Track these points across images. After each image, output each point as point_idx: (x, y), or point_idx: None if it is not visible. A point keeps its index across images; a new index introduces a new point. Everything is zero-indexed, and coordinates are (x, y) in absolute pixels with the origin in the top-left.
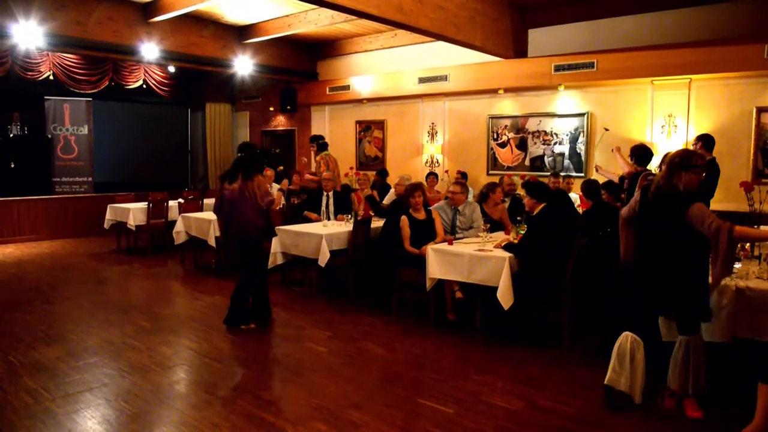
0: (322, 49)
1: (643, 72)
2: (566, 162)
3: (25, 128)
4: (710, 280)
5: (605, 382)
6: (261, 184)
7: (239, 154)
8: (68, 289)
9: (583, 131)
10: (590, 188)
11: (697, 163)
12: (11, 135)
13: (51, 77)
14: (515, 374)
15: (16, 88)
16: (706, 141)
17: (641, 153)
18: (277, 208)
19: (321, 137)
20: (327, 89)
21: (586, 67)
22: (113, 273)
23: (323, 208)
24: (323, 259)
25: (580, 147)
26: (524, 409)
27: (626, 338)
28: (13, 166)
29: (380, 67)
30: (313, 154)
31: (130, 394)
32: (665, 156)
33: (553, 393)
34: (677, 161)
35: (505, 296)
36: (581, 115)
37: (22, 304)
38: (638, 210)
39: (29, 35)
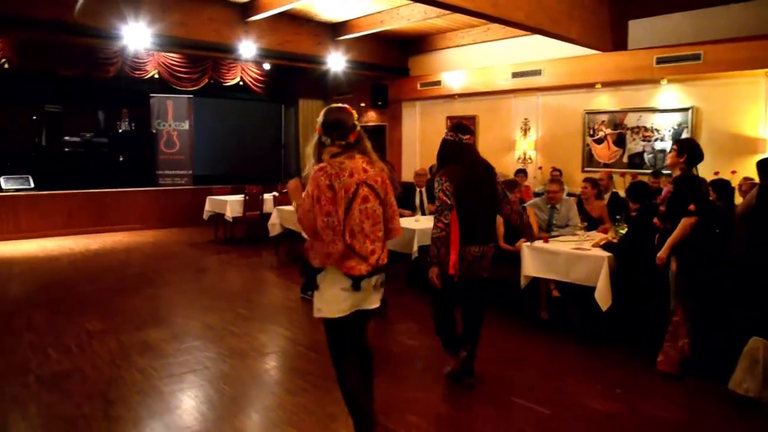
0: (414, 44)
1: (756, 63)
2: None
3: (133, 124)
4: None
5: (729, 386)
6: None
7: None
8: (171, 276)
9: (687, 127)
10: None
11: None
12: (120, 130)
13: (156, 76)
14: (614, 377)
15: (124, 86)
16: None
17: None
18: None
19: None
20: (418, 85)
21: (691, 59)
22: (212, 262)
23: (417, 203)
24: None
25: None
26: (624, 414)
27: (757, 343)
28: (121, 159)
29: (472, 62)
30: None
31: (230, 377)
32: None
33: (655, 398)
34: None
35: (603, 297)
36: (685, 110)
37: (129, 288)
38: (755, 206)
39: (138, 37)
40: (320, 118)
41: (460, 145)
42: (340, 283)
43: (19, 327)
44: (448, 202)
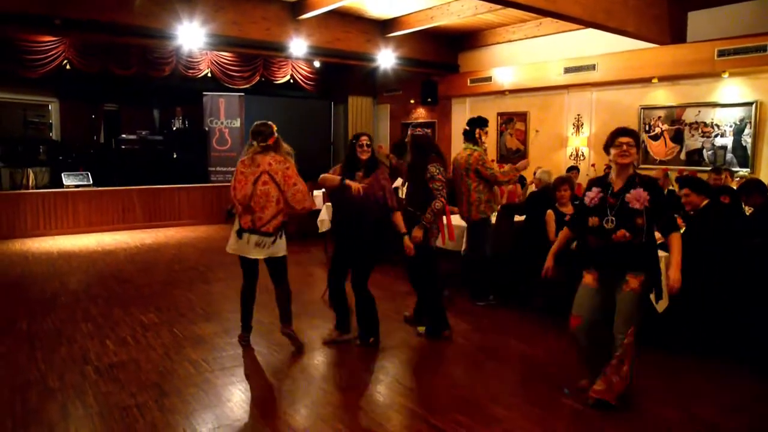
0: (464, 40)
1: None
2: (729, 156)
3: (186, 122)
4: None
5: None
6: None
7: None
8: (222, 271)
9: (750, 122)
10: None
11: None
12: (174, 128)
13: (209, 74)
14: (670, 382)
15: (178, 85)
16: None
17: None
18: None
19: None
20: (468, 81)
21: (755, 51)
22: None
23: None
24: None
25: (746, 139)
26: (680, 420)
27: None
28: (175, 156)
29: (523, 57)
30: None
31: (280, 372)
32: None
33: (713, 405)
34: None
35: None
36: (748, 104)
37: (183, 282)
38: None
39: (192, 37)
40: (252, 128)
41: (428, 138)
42: (235, 229)
43: (78, 318)
44: (445, 182)
